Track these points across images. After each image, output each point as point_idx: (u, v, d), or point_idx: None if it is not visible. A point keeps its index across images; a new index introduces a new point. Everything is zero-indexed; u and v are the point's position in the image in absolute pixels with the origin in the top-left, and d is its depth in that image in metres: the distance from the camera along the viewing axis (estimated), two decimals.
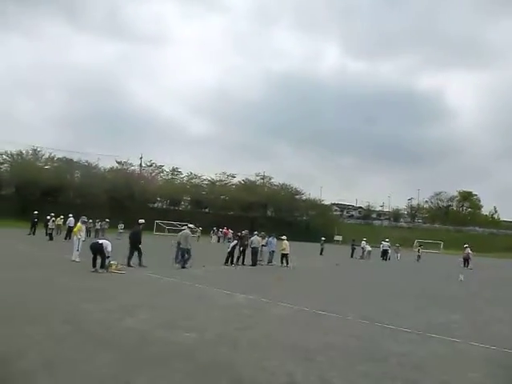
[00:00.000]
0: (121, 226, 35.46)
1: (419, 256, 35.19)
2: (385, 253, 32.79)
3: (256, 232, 20.56)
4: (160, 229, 51.34)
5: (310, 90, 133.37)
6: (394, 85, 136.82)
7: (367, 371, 5.07)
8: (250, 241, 19.22)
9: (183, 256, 15.39)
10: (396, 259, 34.37)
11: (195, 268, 15.34)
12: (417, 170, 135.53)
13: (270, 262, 19.73)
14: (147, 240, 17.36)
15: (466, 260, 28.93)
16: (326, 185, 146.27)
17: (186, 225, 17.99)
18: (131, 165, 70.74)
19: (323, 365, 5.22)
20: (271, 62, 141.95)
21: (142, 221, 15.64)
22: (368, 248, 32.67)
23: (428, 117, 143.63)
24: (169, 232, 49.86)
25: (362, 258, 31.81)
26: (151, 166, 74.32)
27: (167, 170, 76.51)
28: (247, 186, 78.78)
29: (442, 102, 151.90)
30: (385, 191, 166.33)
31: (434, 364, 5.66)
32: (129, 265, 13.90)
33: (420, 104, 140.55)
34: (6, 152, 61.33)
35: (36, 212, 28.03)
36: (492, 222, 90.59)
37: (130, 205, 58.83)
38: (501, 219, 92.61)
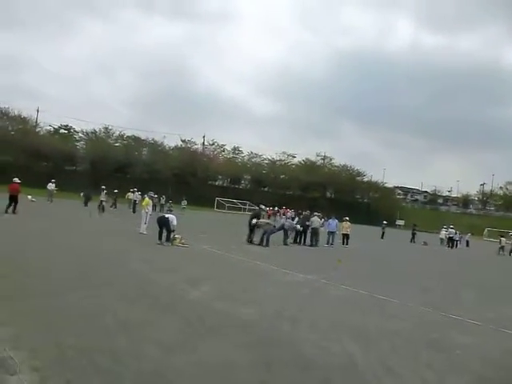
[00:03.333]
0: (184, 202, 36.90)
1: (502, 247, 29.85)
2: (451, 240, 31.18)
3: (316, 213, 20.43)
4: (220, 206, 52.67)
5: (379, 67, 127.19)
6: (474, 60, 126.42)
7: (433, 361, 4.90)
8: (310, 221, 19.20)
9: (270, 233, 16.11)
10: (465, 247, 32.50)
11: (254, 246, 15.66)
12: (491, 153, 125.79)
13: (330, 243, 19.59)
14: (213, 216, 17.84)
15: None
16: (390, 167, 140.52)
17: (259, 206, 18.29)
18: (194, 143, 73.14)
19: (385, 350, 5.12)
20: (339, 38, 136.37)
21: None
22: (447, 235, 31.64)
23: (508, 95, 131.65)
24: (228, 209, 51.08)
25: (425, 243, 30.52)
26: (213, 144, 76.09)
27: (229, 149, 77.97)
28: (307, 166, 78.01)
29: None
30: (453, 176, 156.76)
31: (503, 356, 5.33)
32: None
33: (503, 80, 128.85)
34: (81, 130, 66.24)
35: (103, 187, 28.86)
36: None
37: (192, 181, 60.97)
38: None
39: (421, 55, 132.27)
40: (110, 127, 67.04)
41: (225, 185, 74.18)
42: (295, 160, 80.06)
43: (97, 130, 66.33)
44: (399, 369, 4.52)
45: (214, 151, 76.47)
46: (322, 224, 20.39)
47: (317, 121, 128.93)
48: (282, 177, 74.95)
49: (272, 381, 3.84)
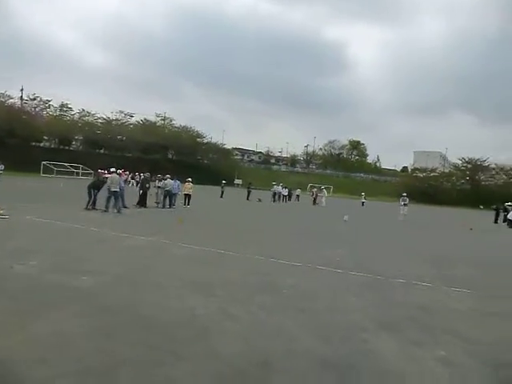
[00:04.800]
0: (1, 166, 31.61)
1: (315, 198, 37.18)
2: (279, 196, 35.68)
3: (169, 175, 20.14)
4: (48, 170, 46.91)
5: (220, 30, 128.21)
6: (303, 32, 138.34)
7: (265, 302, 5.51)
8: (163, 183, 19.27)
9: (116, 199, 15.33)
10: (295, 201, 36.84)
11: (92, 212, 14.62)
12: (315, 118, 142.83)
13: (171, 204, 19.67)
14: (32, 183, 15.82)
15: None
16: (229, 129, 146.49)
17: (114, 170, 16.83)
18: (9, 97, 62.20)
19: (223, 298, 5.52)
20: None
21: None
22: (283, 192, 35.77)
23: (330, 67, 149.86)
24: (58, 174, 46.00)
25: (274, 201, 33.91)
26: (35, 99, 66.28)
27: (55, 106, 69.13)
28: (146, 126, 75.27)
29: (344, 54, 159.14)
30: (284, 138, 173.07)
31: (321, 292, 6.36)
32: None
33: (324, 54, 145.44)
34: None
35: None
36: (375, 169, 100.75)
37: (10, 143, 52.43)
38: (382, 167, 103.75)
39: (258, 23, 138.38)
40: None
41: (53, 146, 66.14)
42: (133, 120, 76.32)
43: None
44: (237, 312, 4.94)
45: (36, 107, 66.69)
46: (162, 185, 20.27)
47: (155, 79, 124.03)
48: (119, 138, 70.66)
49: (110, 347, 3.75)
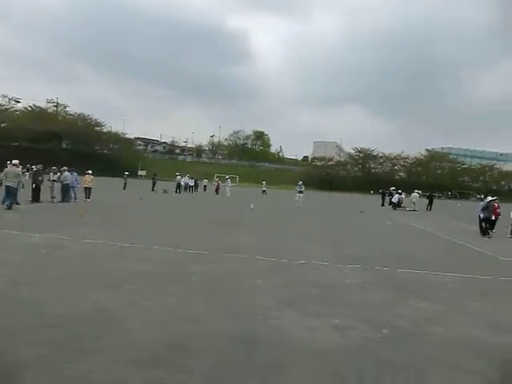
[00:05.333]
0: None
1: (218, 188, 36.95)
2: (186, 186, 35.31)
3: (66, 167, 18.75)
4: None
5: (119, 10, 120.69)
6: (208, 20, 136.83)
7: (174, 291, 5.61)
8: (61, 177, 18.20)
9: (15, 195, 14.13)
10: (202, 192, 36.83)
11: None
12: (221, 107, 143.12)
13: (72, 198, 18.44)
14: None
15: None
16: (131, 117, 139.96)
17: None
18: None
19: (132, 291, 5.49)
20: None
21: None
22: (189, 182, 36.04)
23: (234, 56, 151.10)
24: None
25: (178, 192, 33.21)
26: None
27: None
28: (36, 113, 68.54)
29: (249, 44, 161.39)
30: (189, 127, 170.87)
31: (229, 277, 6.65)
32: None
33: (229, 43, 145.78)
34: None
35: None
36: (278, 159, 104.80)
37: None
38: (285, 157, 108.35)
39: (161, 6, 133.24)
40: None
41: None
42: (20, 106, 68.80)
43: None
44: (147, 303, 4.98)
45: None
46: (58, 178, 18.86)
47: (45, 59, 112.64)
48: (3, 125, 63.24)
49: (7, 348, 3.56)
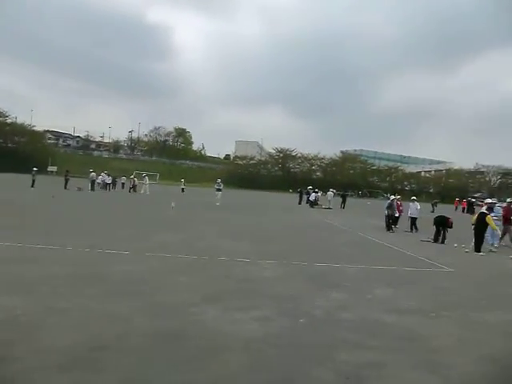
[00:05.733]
0: None
1: (134, 186, 35.72)
2: (104, 184, 33.99)
3: None
4: None
5: None
6: (127, 11, 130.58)
7: (93, 292, 5.44)
8: None
9: None
10: (120, 189, 35.34)
11: None
12: (139, 102, 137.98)
13: None
14: None
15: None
16: (40, 109, 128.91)
17: None
18: None
19: (48, 294, 5.22)
20: None
21: None
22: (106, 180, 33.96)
23: (156, 51, 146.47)
24: None
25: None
26: None
27: None
28: None
29: (171, 40, 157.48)
30: (106, 122, 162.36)
31: (151, 276, 6.60)
32: None
33: (150, 37, 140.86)
34: None
35: None
36: (200, 157, 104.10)
37: None
38: (207, 155, 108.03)
39: None
40: None
41: None
42: None
43: None
44: (66, 306, 4.78)
45: None
46: None
47: None
48: None
49: None
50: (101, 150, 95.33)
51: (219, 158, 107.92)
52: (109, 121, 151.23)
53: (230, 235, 12.26)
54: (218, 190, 26.79)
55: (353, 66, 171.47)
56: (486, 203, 13.96)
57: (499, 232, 13.58)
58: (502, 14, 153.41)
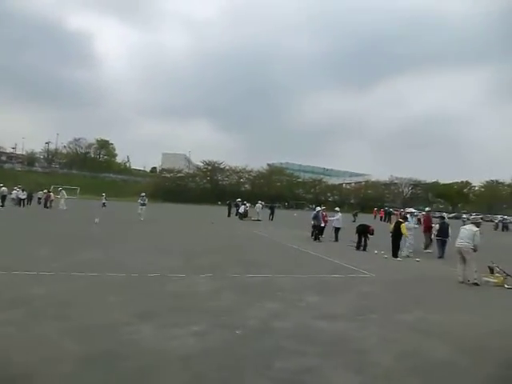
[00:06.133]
0: None
1: (50, 201, 33.00)
2: (17, 199, 30.80)
3: None
4: None
5: None
6: (45, 13, 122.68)
7: (13, 318, 5.00)
8: None
9: None
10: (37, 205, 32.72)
11: None
12: (58, 112, 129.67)
13: None
14: None
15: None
16: None
17: None
18: None
19: None
20: None
21: None
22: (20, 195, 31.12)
23: (75, 59, 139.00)
24: None
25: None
26: None
27: None
28: None
29: (93, 48, 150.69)
30: (20, 132, 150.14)
31: (77, 297, 6.23)
32: None
33: (70, 44, 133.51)
34: None
35: None
36: (124, 169, 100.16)
37: None
38: (132, 167, 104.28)
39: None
40: None
41: None
42: None
43: None
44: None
45: None
46: None
47: None
48: None
49: None
50: (13, 163, 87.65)
51: (145, 171, 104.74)
52: (22, 131, 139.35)
53: (159, 251, 11.95)
54: (143, 204, 25.77)
55: (275, 83, 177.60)
56: (407, 212, 15.42)
57: (411, 240, 14.75)
58: (423, 37, 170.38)
